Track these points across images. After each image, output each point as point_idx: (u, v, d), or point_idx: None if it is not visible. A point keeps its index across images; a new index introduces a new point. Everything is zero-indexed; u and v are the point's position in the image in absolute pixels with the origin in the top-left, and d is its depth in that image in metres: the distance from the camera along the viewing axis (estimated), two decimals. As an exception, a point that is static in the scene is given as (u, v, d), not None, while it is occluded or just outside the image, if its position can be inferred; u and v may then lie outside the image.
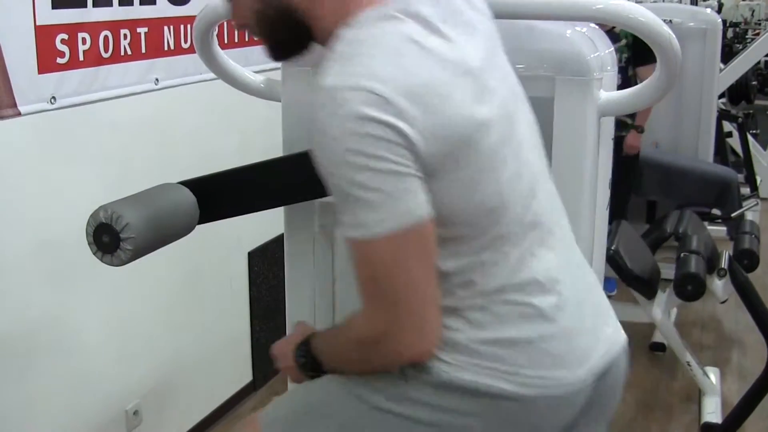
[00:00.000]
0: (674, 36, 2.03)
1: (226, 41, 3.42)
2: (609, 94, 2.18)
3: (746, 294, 3.76)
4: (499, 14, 2.09)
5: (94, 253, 2.11)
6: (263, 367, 4.10)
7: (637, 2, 11.89)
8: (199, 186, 2.20)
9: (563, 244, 1.74)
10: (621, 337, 1.79)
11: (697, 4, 22.12)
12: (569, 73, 2.12)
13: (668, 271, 4.25)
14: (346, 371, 1.67)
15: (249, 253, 3.86)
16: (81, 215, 2.94)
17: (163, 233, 2.14)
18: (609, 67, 2.26)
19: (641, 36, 2.05)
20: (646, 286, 4.08)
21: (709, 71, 5.91)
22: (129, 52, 3.06)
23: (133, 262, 2.11)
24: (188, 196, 2.19)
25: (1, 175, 2.69)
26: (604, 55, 2.22)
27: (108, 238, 2.09)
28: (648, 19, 2.02)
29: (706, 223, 5.40)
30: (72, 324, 3.00)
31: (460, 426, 1.61)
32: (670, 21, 5.84)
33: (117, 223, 2.07)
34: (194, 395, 3.80)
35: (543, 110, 2.13)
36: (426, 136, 1.45)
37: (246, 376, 4.17)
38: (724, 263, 3.95)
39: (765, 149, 8.17)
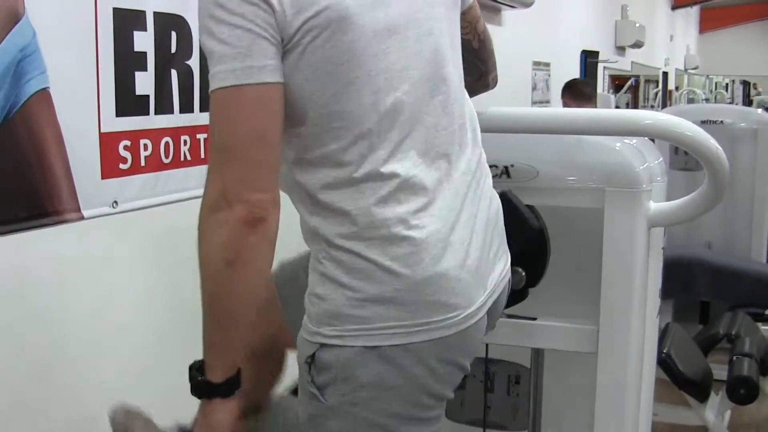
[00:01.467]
0: (722, 151, 2.08)
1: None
2: (658, 204, 2.23)
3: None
4: (553, 130, 2.17)
5: None
6: None
7: (689, 102, 11.92)
8: None
9: (459, 167, 1.83)
10: (507, 263, 1.97)
11: (750, 98, 22.19)
12: (619, 185, 2.18)
13: (721, 372, 4.21)
14: (221, 315, 1.71)
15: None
16: (139, 317, 3.03)
17: None
18: (659, 178, 2.31)
19: (689, 150, 2.10)
20: (699, 389, 4.07)
21: (762, 170, 5.92)
22: (189, 158, 3.15)
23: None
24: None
25: (63, 276, 2.76)
26: (653, 166, 2.28)
27: None
28: (695, 133, 2.08)
29: (760, 324, 5.39)
30: None
31: (411, 378, 1.73)
32: (721, 122, 5.90)
33: None
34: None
35: (593, 221, 2.19)
36: (289, 7, 1.61)
37: None
38: (775, 368, 3.94)
39: (821, 248, 8.13)
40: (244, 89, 1.61)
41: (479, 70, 2.11)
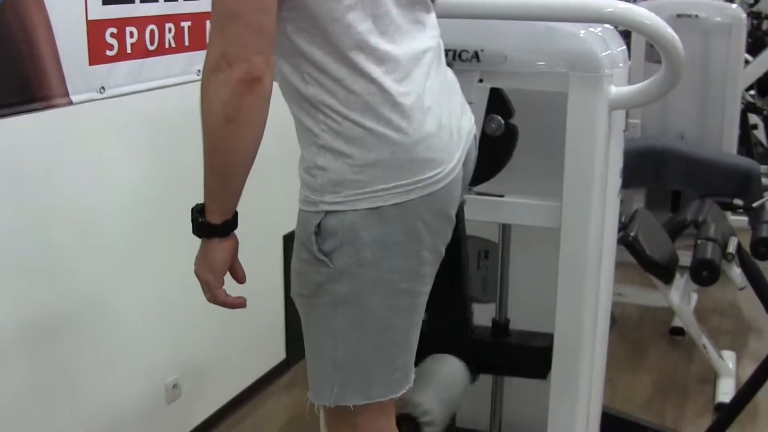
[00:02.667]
0: (677, 38, 2.20)
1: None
2: (619, 89, 2.35)
3: (755, 279, 3.89)
4: (518, 16, 2.28)
5: None
6: (297, 346, 4.28)
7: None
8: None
9: (424, 42, 2.03)
10: (472, 120, 2.18)
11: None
12: (582, 70, 2.29)
13: (688, 258, 4.33)
14: (221, 165, 1.88)
15: (284, 237, 4.06)
16: (127, 200, 3.14)
17: (452, 407, 2.40)
18: (621, 64, 2.43)
19: (647, 37, 2.22)
20: (664, 271, 4.21)
21: (734, 65, 6.00)
22: (173, 45, 3.25)
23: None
24: (461, 366, 2.44)
25: (53, 160, 2.87)
26: (615, 53, 2.39)
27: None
28: (653, 21, 2.20)
29: (728, 213, 5.53)
30: (116, 303, 3.18)
31: (410, 233, 1.95)
32: (696, 16, 5.98)
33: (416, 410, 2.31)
34: (230, 371, 3.98)
35: (558, 104, 2.32)
36: None
37: (280, 354, 4.36)
38: (732, 248, 4.07)
39: (793, 141, 8.25)
40: None
41: None
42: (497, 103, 2.41)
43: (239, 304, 2.08)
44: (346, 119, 1.89)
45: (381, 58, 1.90)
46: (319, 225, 1.92)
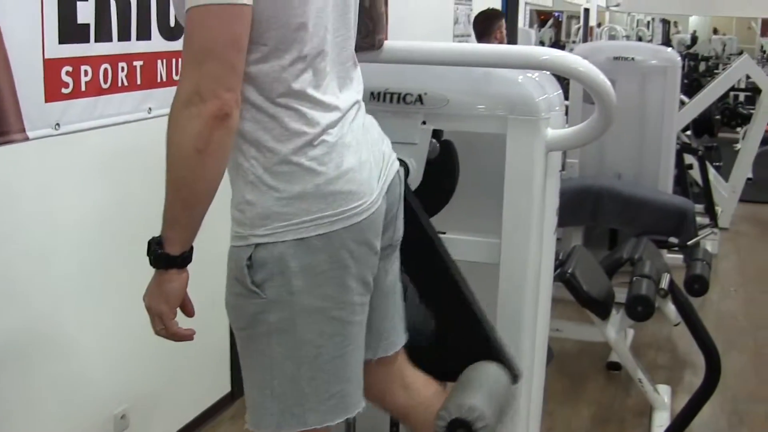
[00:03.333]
0: (609, 84, 2.33)
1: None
2: (555, 131, 2.47)
3: (688, 315, 4.02)
4: (459, 62, 2.40)
5: None
6: (241, 379, 4.35)
7: (610, 38, 12.14)
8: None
9: (353, 95, 2.19)
10: (394, 155, 2.29)
11: (669, 36, 22.43)
12: (520, 113, 2.41)
13: (624, 295, 4.42)
14: (187, 196, 1.96)
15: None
16: (80, 231, 3.21)
17: (503, 410, 2.42)
18: (557, 108, 2.55)
19: (581, 83, 2.35)
20: (601, 307, 4.32)
21: (669, 106, 6.17)
22: (126, 84, 3.33)
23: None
24: (498, 369, 2.46)
25: (9, 193, 2.93)
26: (551, 97, 2.51)
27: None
28: (586, 68, 2.33)
29: (664, 252, 5.68)
30: (67, 332, 3.24)
31: (335, 262, 2.06)
32: (633, 58, 6.16)
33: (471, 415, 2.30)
34: (178, 402, 4.04)
35: (498, 145, 2.44)
36: None
37: (225, 387, 4.42)
38: (665, 284, 4.20)
39: (727, 181, 8.45)
40: (226, 6, 1.85)
41: (367, 28, 2.39)
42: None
43: (188, 336, 2.15)
44: (276, 155, 2.00)
45: (316, 104, 2.03)
46: (250, 258, 2.03)
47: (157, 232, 2.04)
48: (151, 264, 2.06)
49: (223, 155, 1.93)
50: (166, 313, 2.09)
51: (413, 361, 2.43)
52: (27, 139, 2.91)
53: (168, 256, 2.02)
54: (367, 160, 2.14)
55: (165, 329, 2.12)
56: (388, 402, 2.46)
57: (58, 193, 3.14)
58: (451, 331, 2.46)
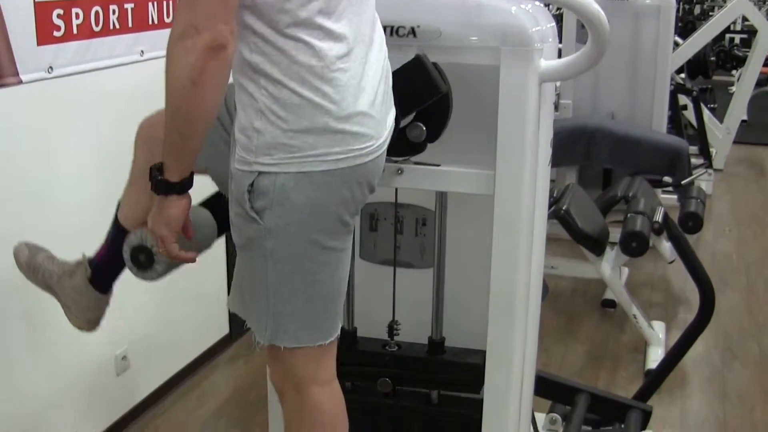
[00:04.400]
0: (602, 12, 2.33)
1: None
2: (548, 62, 2.47)
3: (683, 250, 4.04)
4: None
5: (135, 273, 2.53)
6: (239, 321, 4.37)
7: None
8: (215, 206, 2.58)
9: (366, 25, 2.19)
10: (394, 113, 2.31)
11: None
12: (513, 44, 2.41)
13: (618, 234, 4.48)
14: (183, 125, 2.01)
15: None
16: (75, 173, 3.22)
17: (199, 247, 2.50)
18: (550, 39, 2.55)
19: (574, 12, 2.35)
20: (595, 243, 4.36)
21: (663, 47, 6.17)
22: (117, 26, 3.33)
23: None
24: (207, 217, 2.55)
25: (4, 138, 2.95)
26: (544, 29, 2.51)
27: (143, 257, 2.49)
28: (579, -3, 2.33)
29: (658, 191, 5.70)
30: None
31: (336, 199, 2.11)
32: (626, -1, 6.15)
33: (148, 242, 2.45)
34: (177, 344, 4.09)
35: (491, 77, 2.45)
36: None
37: (223, 329, 4.47)
38: (659, 217, 4.21)
39: (721, 123, 8.46)
40: None
41: None
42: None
43: (189, 258, 2.24)
44: (285, 87, 2.02)
45: (325, 35, 2.04)
46: (252, 184, 2.06)
47: (148, 175, 2.09)
48: (152, 189, 2.12)
49: (219, 86, 1.96)
50: (167, 236, 2.15)
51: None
52: (20, 82, 2.93)
53: (167, 182, 2.08)
54: (379, 110, 2.17)
55: (167, 252, 2.19)
56: None
57: (53, 135, 3.16)
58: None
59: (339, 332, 2.29)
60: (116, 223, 2.58)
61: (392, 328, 2.79)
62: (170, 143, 2.04)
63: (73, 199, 3.26)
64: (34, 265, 2.69)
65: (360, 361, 2.80)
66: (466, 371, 2.71)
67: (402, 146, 2.39)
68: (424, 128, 2.45)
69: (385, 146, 2.21)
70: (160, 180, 2.09)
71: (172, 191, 2.10)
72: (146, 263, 2.50)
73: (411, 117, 2.44)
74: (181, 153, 2.05)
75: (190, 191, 2.17)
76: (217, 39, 1.89)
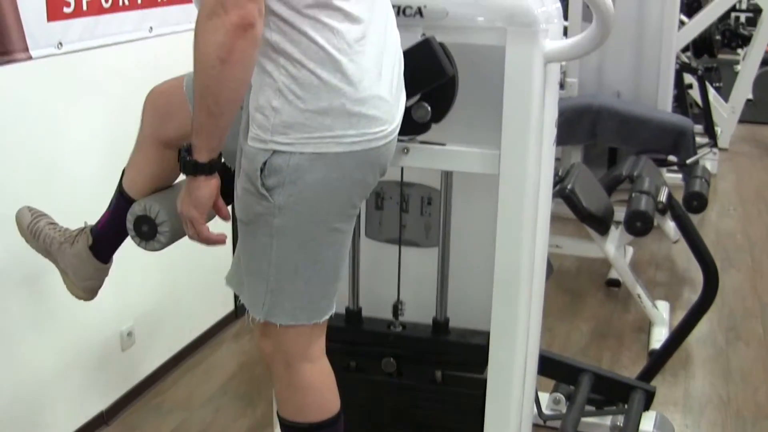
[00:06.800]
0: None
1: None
2: (553, 42, 2.49)
3: (687, 230, 4.05)
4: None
5: (137, 243, 2.57)
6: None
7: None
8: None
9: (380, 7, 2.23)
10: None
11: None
12: (519, 25, 2.43)
13: (623, 213, 4.45)
14: (212, 104, 2.01)
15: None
16: (84, 149, 3.24)
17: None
18: (555, 20, 2.56)
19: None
20: (600, 222, 4.37)
21: (668, 26, 6.15)
22: (126, 3, 3.35)
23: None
24: None
25: (14, 112, 2.97)
26: (550, 9, 2.52)
27: (147, 227, 2.51)
28: (584, -22, 2.33)
29: (663, 170, 5.71)
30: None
31: (348, 181, 2.14)
32: (632, -23, 6.13)
33: (152, 213, 2.49)
34: (183, 320, 4.12)
35: (497, 57, 2.46)
36: None
37: (229, 305, 4.50)
38: (663, 197, 4.22)
39: (726, 102, 8.45)
40: None
41: None
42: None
43: (220, 240, 2.24)
44: (305, 67, 2.03)
45: (344, 17, 2.06)
46: (265, 162, 2.08)
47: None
48: (180, 170, 2.14)
49: (247, 65, 1.98)
50: (197, 217, 2.17)
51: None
52: (30, 58, 2.94)
53: (196, 163, 2.09)
54: (394, 96, 2.20)
55: (197, 234, 2.20)
56: None
57: (62, 110, 3.18)
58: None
59: (333, 311, 2.32)
60: (120, 189, 2.61)
61: (397, 308, 2.82)
62: (199, 123, 2.05)
63: (81, 172, 3.28)
64: (36, 230, 2.72)
65: (365, 340, 2.82)
66: (470, 351, 2.72)
67: (407, 125, 2.40)
68: (429, 109, 2.47)
69: (397, 131, 2.24)
70: (188, 161, 2.10)
71: (201, 172, 2.10)
72: (149, 233, 2.52)
73: (417, 98, 2.45)
74: (211, 132, 2.06)
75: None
76: (246, 18, 1.89)
